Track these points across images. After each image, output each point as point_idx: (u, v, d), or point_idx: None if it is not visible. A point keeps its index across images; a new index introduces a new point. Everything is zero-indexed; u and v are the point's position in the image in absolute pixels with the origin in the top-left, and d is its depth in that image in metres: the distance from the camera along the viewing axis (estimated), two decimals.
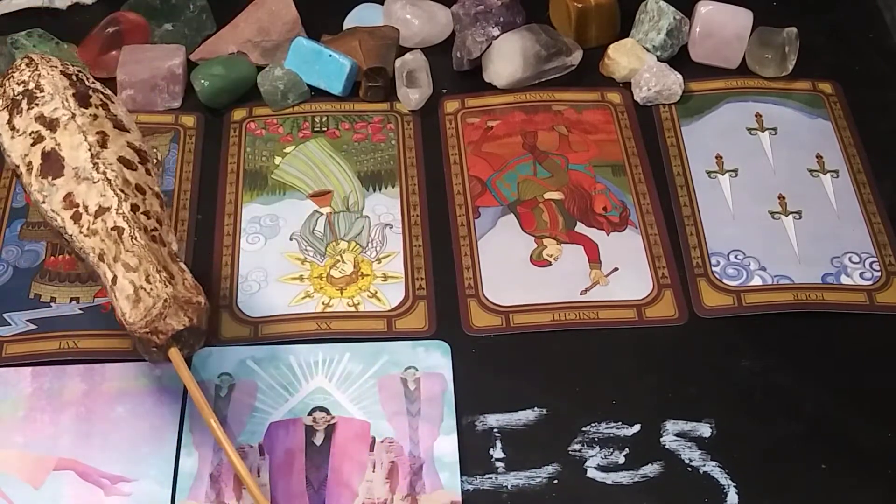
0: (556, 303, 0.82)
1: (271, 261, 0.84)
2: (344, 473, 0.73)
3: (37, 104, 0.74)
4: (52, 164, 0.72)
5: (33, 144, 0.73)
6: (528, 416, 0.76)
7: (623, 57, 0.96)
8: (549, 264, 0.85)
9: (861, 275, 0.84)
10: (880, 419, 0.76)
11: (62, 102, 0.73)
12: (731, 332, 0.81)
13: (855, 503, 0.73)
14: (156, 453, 0.74)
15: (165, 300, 0.68)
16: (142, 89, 0.93)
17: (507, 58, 0.95)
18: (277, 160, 0.91)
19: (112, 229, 0.69)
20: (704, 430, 0.76)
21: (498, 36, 0.95)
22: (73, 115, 0.73)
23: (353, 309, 0.82)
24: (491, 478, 0.73)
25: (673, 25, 0.96)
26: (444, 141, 0.93)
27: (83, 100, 0.74)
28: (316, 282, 0.83)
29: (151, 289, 0.68)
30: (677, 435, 0.75)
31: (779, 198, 0.89)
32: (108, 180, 0.71)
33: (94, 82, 0.78)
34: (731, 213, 0.88)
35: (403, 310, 0.82)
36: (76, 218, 0.70)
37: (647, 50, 0.97)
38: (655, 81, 0.94)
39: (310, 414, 0.76)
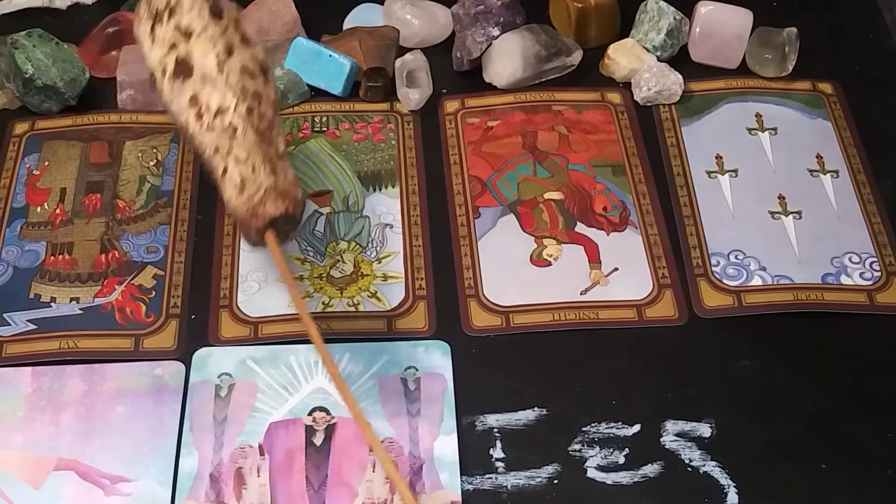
0: (556, 303, 0.82)
1: (271, 261, 0.84)
2: (344, 473, 0.73)
3: (175, 15, 0.78)
4: (184, 69, 0.76)
5: (169, 51, 0.78)
6: (528, 416, 0.76)
7: (623, 57, 0.96)
8: (549, 264, 0.85)
9: (861, 275, 0.84)
10: (880, 419, 0.76)
11: (198, 13, 0.78)
12: (731, 332, 0.81)
13: (855, 503, 0.73)
14: (156, 453, 0.74)
15: (266, 188, 0.73)
16: (142, 89, 0.93)
17: (507, 58, 0.95)
18: None
19: (227, 127, 0.75)
20: (704, 430, 0.76)
21: (498, 36, 0.95)
22: (206, 27, 0.77)
23: (353, 309, 0.82)
24: (491, 478, 0.73)
25: (673, 25, 0.96)
26: (444, 141, 0.93)
27: (217, 13, 0.78)
28: (316, 282, 0.83)
29: (255, 178, 0.74)
30: (677, 435, 0.75)
31: (779, 198, 0.89)
32: (230, 84, 0.76)
33: None
34: (731, 213, 0.88)
35: (403, 310, 0.82)
36: (198, 116, 0.76)
37: (647, 50, 0.97)
38: (655, 81, 0.94)
39: (310, 414, 0.76)
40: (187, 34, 0.77)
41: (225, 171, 0.75)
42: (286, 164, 0.76)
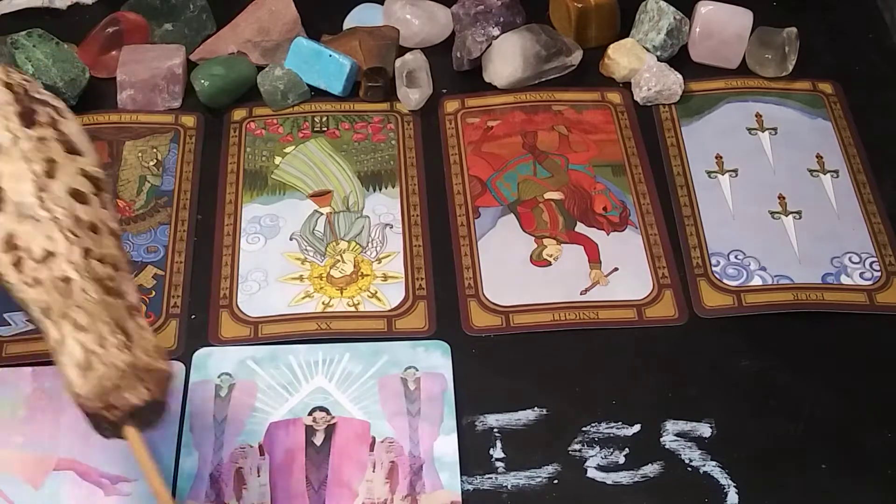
0: (556, 303, 0.82)
1: (271, 261, 0.84)
2: (344, 473, 0.73)
3: None
4: None
5: None
6: (528, 416, 0.76)
7: (623, 57, 0.96)
8: (549, 264, 0.85)
9: (861, 275, 0.84)
10: (880, 419, 0.76)
11: (4, 123, 0.63)
12: (731, 332, 0.81)
13: (855, 503, 0.73)
14: (156, 453, 0.74)
15: (123, 370, 0.58)
16: (142, 89, 0.93)
17: (507, 58, 0.95)
18: (277, 160, 0.91)
19: (58, 279, 0.59)
20: (704, 430, 0.76)
21: (498, 36, 0.95)
22: (17, 139, 0.62)
23: (353, 309, 0.82)
24: (491, 478, 0.73)
25: (673, 25, 0.96)
26: (444, 141, 0.93)
27: (28, 118, 0.63)
28: (316, 282, 0.83)
29: (105, 354, 0.58)
30: (677, 435, 0.75)
31: (779, 198, 0.89)
32: (56, 219, 0.60)
33: (41, 93, 0.68)
34: (731, 213, 0.88)
35: (403, 310, 0.82)
36: (18, 264, 0.60)
37: (647, 50, 0.97)
38: (655, 81, 0.94)
39: (310, 414, 0.76)
40: None
41: (61, 342, 0.58)
42: (142, 323, 0.61)
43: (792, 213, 0.88)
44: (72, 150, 0.64)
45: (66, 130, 0.65)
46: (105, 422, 0.60)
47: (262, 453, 0.74)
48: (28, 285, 0.60)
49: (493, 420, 0.76)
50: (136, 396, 0.59)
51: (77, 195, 0.62)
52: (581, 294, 0.83)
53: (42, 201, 0.61)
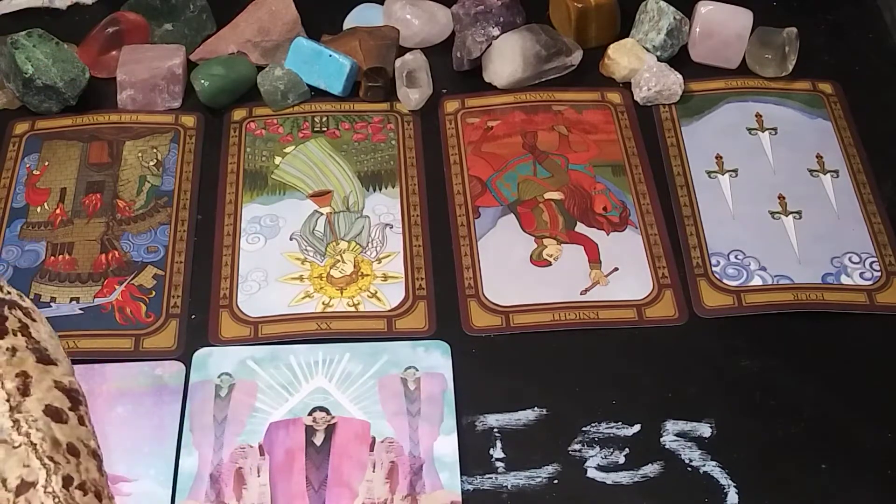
0: (556, 303, 0.82)
1: (271, 261, 0.84)
2: (344, 473, 0.73)
3: None
4: None
5: None
6: (528, 416, 0.76)
7: (623, 57, 0.96)
8: (549, 264, 0.85)
9: (861, 275, 0.84)
10: (880, 419, 0.76)
11: None
12: (731, 332, 0.81)
13: (855, 503, 0.73)
14: (156, 453, 0.74)
15: None
16: (142, 89, 0.93)
17: (507, 58, 0.95)
18: (277, 160, 0.91)
19: None
20: (704, 430, 0.76)
21: (498, 36, 0.95)
22: None
23: (353, 309, 0.82)
24: (491, 478, 0.73)
25: (673, 25, 0.96)
26: (444, 141, 0.93)
27: None
28: (316, 282, 0.83)
29: None
30: (677, 435, 0.75)
31: (779, 198, 0.89)
32: (33, 444, 0.56)
33: (8, 292, 0.63)
34: (731, 213, 0.88)
35: (403, 310, 0.82)
36: None
37: (647, 50, 0.97)
38: (655, 81, 0.94)
39: (310, 414, 0.76)
40: None
41: None
42: None
43: (792, 213, 0.88)
44: (44, 359, 0.59)
45: (37, 337, 0.61)
46: None
47: (262, 453, 0.74)
48: None
49: (493, 420, 0.76)
50: None
51: (53, 413, 0.57)
52: (581, 294, 0.83)
53: (16, 424, 0.56)
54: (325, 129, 0.93)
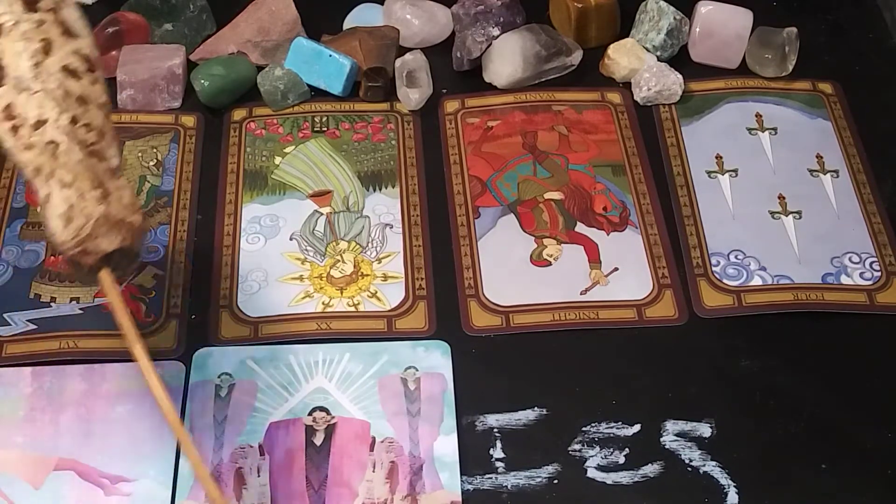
0: (556, 303, 0.82)
1: (271, 261, 0.84)
2: (344, 473, 0.73)
3: None
4: None
5: None
6: (528, 416, 0.76)
7: (623, 57, 0.96)
8: (549, 264, 0.85)
9: (861, 275, 0.84)
10: (880, 419, 0.76)
11: (8, 6, 0.69)
12: (731, 332, 0.81)
13: (855, 503, 0.73)
14: (156, 453, 0.74)
15: (97, 219, 0.65)
16: (142, 89, 0.93)
17: (507, 58, 0.95)
18: (277, 160, 0.91)
19: (48, 143, 0.66)
20: (704, 430, 0.76)
21: (498, 36, 0.95)
22: (17, 22, 0.68)
23: (353, 309, 0.82)
24: (491, 478, 0.73)
25: (673, 25, 0.96)
26: (444, 141, 0.93)
27: (30, 3, 0.69)
28: (316, 282, 0.83)
29: (84, 206, 0.65)
30: (677, 435, 0.75)
31: (779, 198, 0.89)
32: (48, 91, 0.67)
33: None
34: (731, 213, 0.88)
35: (403, 310, 0.82)
36: (14, 130, 0.67)
37: (647, 50, 0.97)
38: (655, 81, 0.94)
39: (310, 414, 0.76)
40: None
41: (48, 197, 0.66)
42: (121, 183, 0.68)
43: (792, 213, 0.88)
44: (68, 32, 0.69)
45: (66, 16, 0.70)
46: (83, 266, 0.66)
47: (262, 453, 0.74)
48: (22, 149, 0.67)
49: (493, 420, 0.76)
50: (109, 243, 0.65)
51: (70, 71, 0.68)
52: (581, 294, 0.83)
53: (37, 75, 0.67)
54: (325, 129, 0.93)
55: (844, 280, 0.83)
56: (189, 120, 0.94)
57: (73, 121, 0.67)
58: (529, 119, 0.94)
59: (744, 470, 0.74)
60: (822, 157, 0.92)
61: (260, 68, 0.95)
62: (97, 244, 0.65)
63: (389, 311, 0.82)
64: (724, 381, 0.78)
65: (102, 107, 0.69)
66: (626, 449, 0.75)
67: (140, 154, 0.91)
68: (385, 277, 0.84)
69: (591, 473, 0.73)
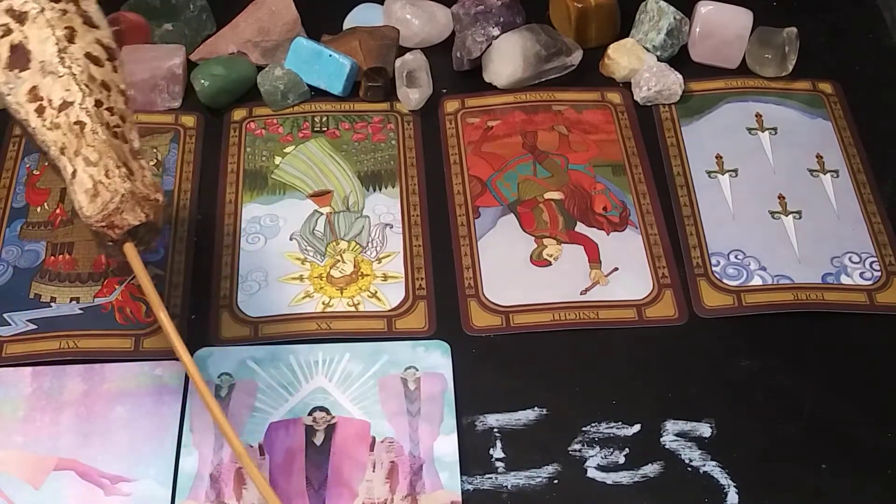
0: (556, 303, 0.82)
1: (271, 261, 0.84)
2: (344, 473, 0.73)
3: None
4: (20, 57, 0.71)
5: (2, 37, 0.72)
6: (528, 416, 0.76)
7: (623, 57, 0.96)
8: (549, 264, 0.85)
9: (861, 275, 0.84)
10: (880, 419, 0.76)
11: None
12: (731, 332, 0.81)
13: (855, 503, 0.73)
14: (156, 453, 0.74)
15: (123, 195, 0.68)
16: (142, 89, 0.93)
17: (507, 58, 0.95)
18: (277, 160, 0.91)
19: (74, 123, 0.69)
20: (704, 430, 0.76)
21: (498, 36, 0.95)
22: (42, 10, 0.72)
23: (353, 309, 0.82)
24: (491, 478, 0.73)
25: (673, 25, 0.96)
26: (444, 141, 0.93)
27: None
28: (316, 282, 0.83)
29: (110, 183, 0.68)
30: (677, 435, 0.75)
31: (779, 198, 0.89)
32: (74, 75, 0.70)
33: None
34: (731, 213, 0.88)
35: (403, 310, 0.82)
36: (40, 111, 0.70)
37: (647, 50, 0.97)
38: (655, 81, 0.94)
39: (310, 414, 0.76)
40: (21, 18, 0.71)
41: (74, 173, 0.69)
42: (143, 163, 0.71)
43: (792, 212, 0.88)
44: (90, 23, 0.73)
45: (87, 8, 0.74)
46: (108, 239, 0.70)
47: (262, 453, 0.74)
48: (48, 129, 0.70)
49: (493, 420, 0.76)
50: (135, 217, 0.69)
51: (92, 58, 0.72)
52: (581, 294, 0.83)
53: (62, 60, 0.70)
54: (325, 129, 0.93)
55: (844, 280, 0.83)
56: (189, 120, 0.94)
57: (98, 104, 0.70)
58: (529, 119, 0.94)
59: (744, 470, 0.74)
60: (822, 157, 0.92)
61: (260, 68, 0.95)
62: (123, 219, 0.68)
63: (389, 311, 0.82)
64: (724, 381, 0.78)
65: (123, 93, 0.73)
66: (626, 449, 0.75)
67: None
68: (385, 277, 0.84)
69: (591, 473, 0.73)
